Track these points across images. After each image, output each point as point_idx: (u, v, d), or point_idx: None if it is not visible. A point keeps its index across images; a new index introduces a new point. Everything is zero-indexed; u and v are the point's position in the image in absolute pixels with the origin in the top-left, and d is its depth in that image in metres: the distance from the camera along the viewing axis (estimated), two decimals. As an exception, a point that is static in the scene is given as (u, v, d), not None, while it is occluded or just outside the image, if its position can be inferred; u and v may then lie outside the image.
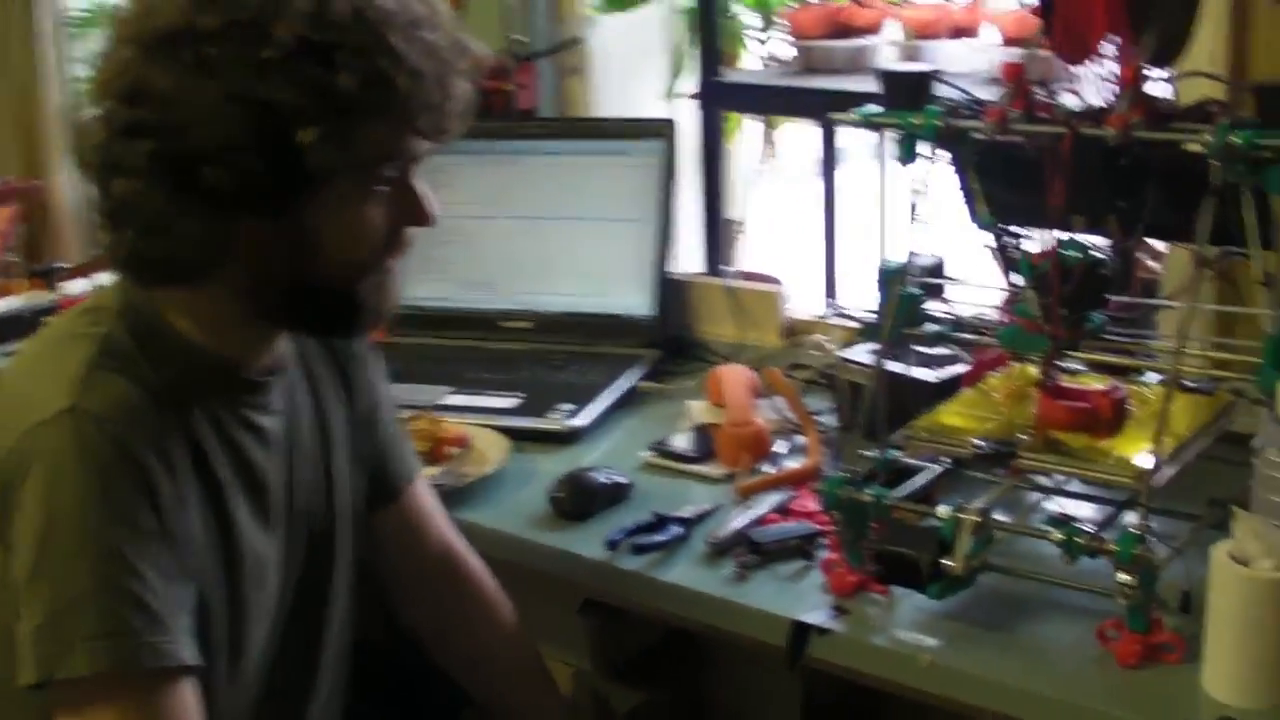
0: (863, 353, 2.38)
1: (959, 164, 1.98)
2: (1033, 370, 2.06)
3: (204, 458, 1.60)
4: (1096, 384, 1.96)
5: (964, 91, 1.94)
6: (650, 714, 2.35)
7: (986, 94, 1.94)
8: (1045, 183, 1.84)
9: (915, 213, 1.96)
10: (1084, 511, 1.97)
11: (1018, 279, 2.06)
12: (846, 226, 3.07)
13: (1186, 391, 2.00)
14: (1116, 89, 1.82)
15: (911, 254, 1.97)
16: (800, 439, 2.33)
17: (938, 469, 1.98)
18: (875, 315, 2.07)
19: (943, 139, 1.90)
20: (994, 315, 2.10)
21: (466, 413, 2.42)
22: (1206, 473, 1.90)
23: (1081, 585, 1.78)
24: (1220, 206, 1.80)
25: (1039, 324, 1.84)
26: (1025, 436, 1.87)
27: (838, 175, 3.00)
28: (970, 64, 2.62)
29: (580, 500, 2.13)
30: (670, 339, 2.73)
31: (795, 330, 2.74)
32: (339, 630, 1.86)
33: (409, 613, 2.04)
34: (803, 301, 2.81)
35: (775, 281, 2.95)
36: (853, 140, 3.04)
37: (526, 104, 3.03)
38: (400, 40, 1.51)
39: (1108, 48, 1.83)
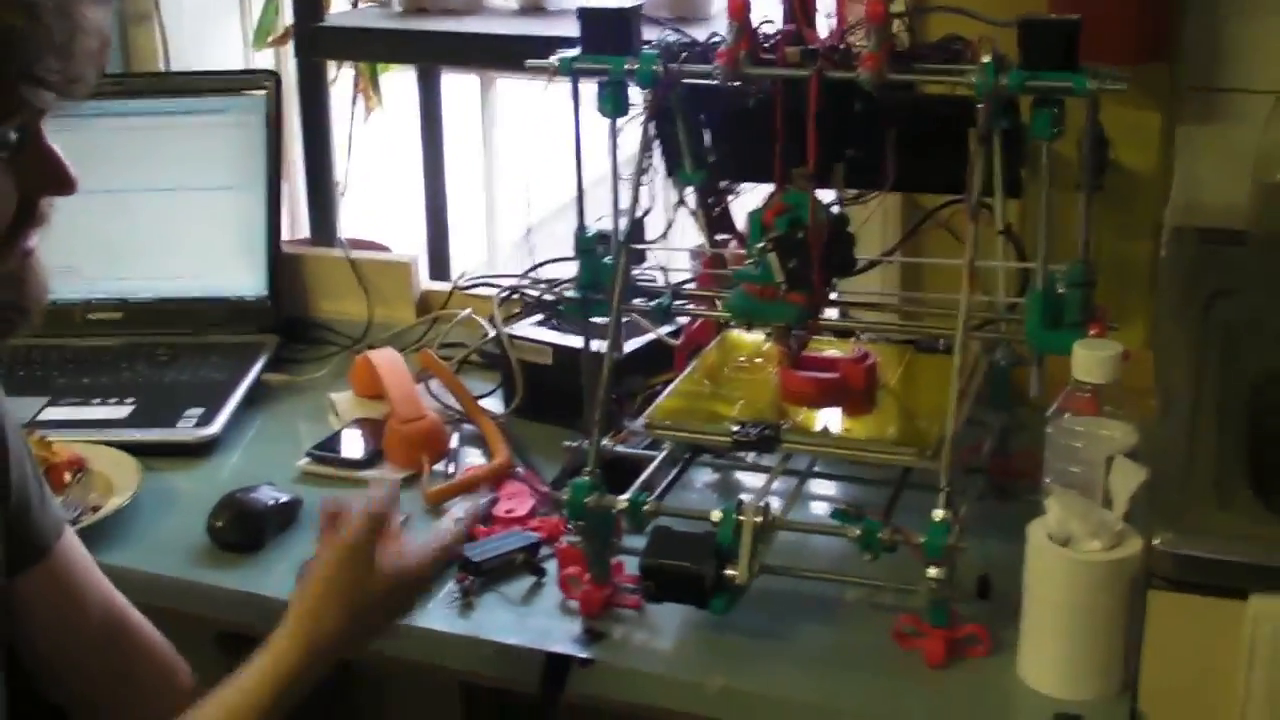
0: (530, 328, 2.14)
1: (657, 114, 1.75)
2: (748, 340, 1.88)
3: None
4: (835, 351, 1.80)
5: (678, 31, 1.72)
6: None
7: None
8: (766, 133, 1.65)
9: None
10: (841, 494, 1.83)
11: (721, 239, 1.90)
12: (462, 185, 2.81)
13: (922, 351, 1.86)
14: (852, 28, 1.66)
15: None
16: (469, 428, 2.07)
17: (656, 457, 1.78)
18: (570, 286, 1.83)
19: (656, 85, 1.68)
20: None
21: (72, 428, 2.05)
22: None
23: (881, 583, 1.61)
24: (948, 151, 1.67)
25: (774, 289, 1.63)
26: (783, 418, 1.68)
27: (445, 128, 2.73)
28: (599, 3, 2.40)
29: (246, 528, 1.82)
30: (286, 321, 2.41)
31: (428, 305, 2.46)
32: None
33: (67, 692, 1.67)
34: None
35: (384, 249, 2.66)
36: (458, 90, 2.78)
37: (91, 59, 2.62)
38: None
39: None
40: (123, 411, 2.13)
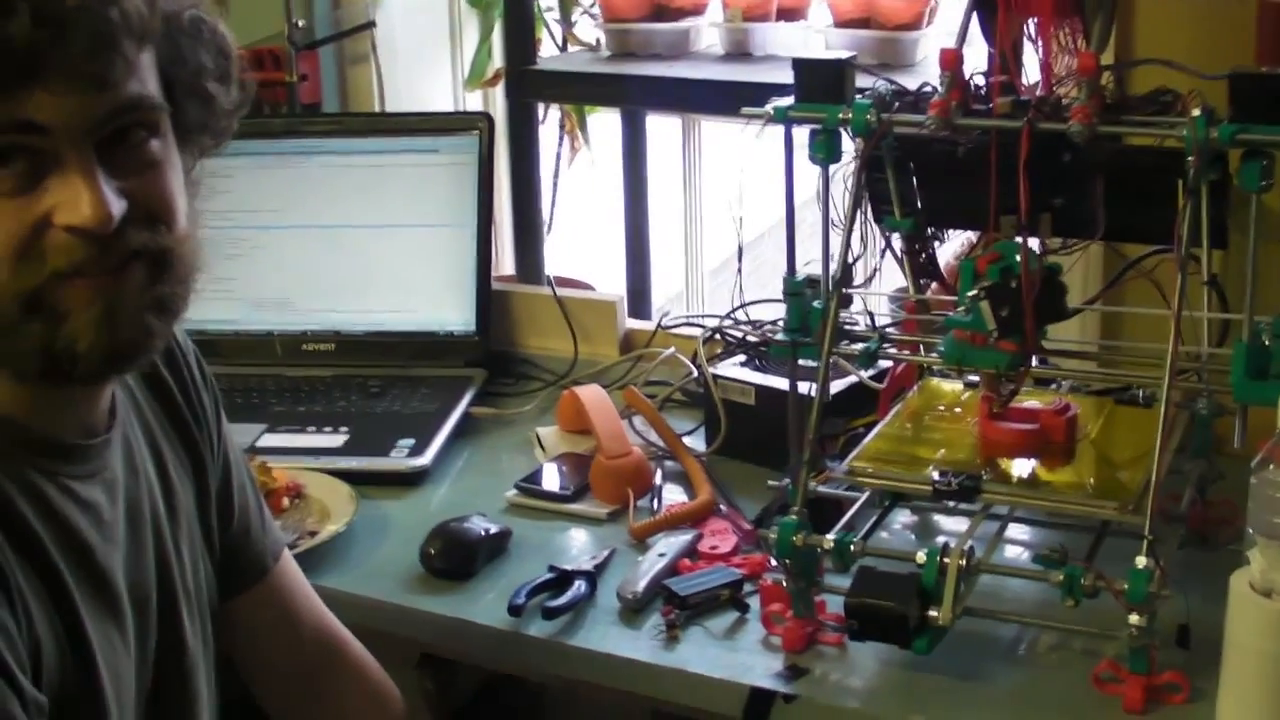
0: (733, 368, 2.18)
1: (865, 162, 1.78)
2: (948, 389, 1.91)
3: (32, 542, 1.27)
4: (1035, 402, 1.81)
5: (890, 81, 1.76)
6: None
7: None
8: (973, 181, 1.68)
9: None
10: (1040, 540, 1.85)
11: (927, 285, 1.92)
12: (662, 224, 2.87)
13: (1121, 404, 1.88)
14: (1060, 79, 1.69)
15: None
16: (671, 465, 2.12)
17: (859, 498, 1.81)
18: (779, 329, 1.87)
19: (869, 134, 1.72)
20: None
21: (289, 455, 2.13)
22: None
23: (1083, 628, 1.63)
24: (1154, 202, 1.68)
25: (986, 337, 1.66)
26: (984, 465, 1.71)
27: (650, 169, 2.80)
28: (804, 49, 2.45)
29: (458, 556, 1.88)
30: (493, 356, 2.47)
31: (630, 343, 2.52)
32: None
33: (283, 710, 1.73)
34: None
35: (586, 286, 2.73)
36: (660, 129, 2.84)
37: (310, 98, 2.73)
38: None
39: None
40: (337, 440, 2.21)
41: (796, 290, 1.81)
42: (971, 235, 1.94)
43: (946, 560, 1.58)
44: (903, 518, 1.94)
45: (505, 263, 2.89)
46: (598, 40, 2.70)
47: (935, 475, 1.67)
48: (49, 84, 1.18)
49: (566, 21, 2.89)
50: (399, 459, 2.14)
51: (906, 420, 1.85)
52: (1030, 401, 1.82)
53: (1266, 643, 1.48)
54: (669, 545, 1.87)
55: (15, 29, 1.15)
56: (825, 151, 1.75)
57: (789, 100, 1.75)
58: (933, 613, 1.57)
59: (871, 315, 1.88)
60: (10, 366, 1.27)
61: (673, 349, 2.39)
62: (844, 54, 1.80)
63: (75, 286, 1.23)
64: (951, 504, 1.84)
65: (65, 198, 1.21)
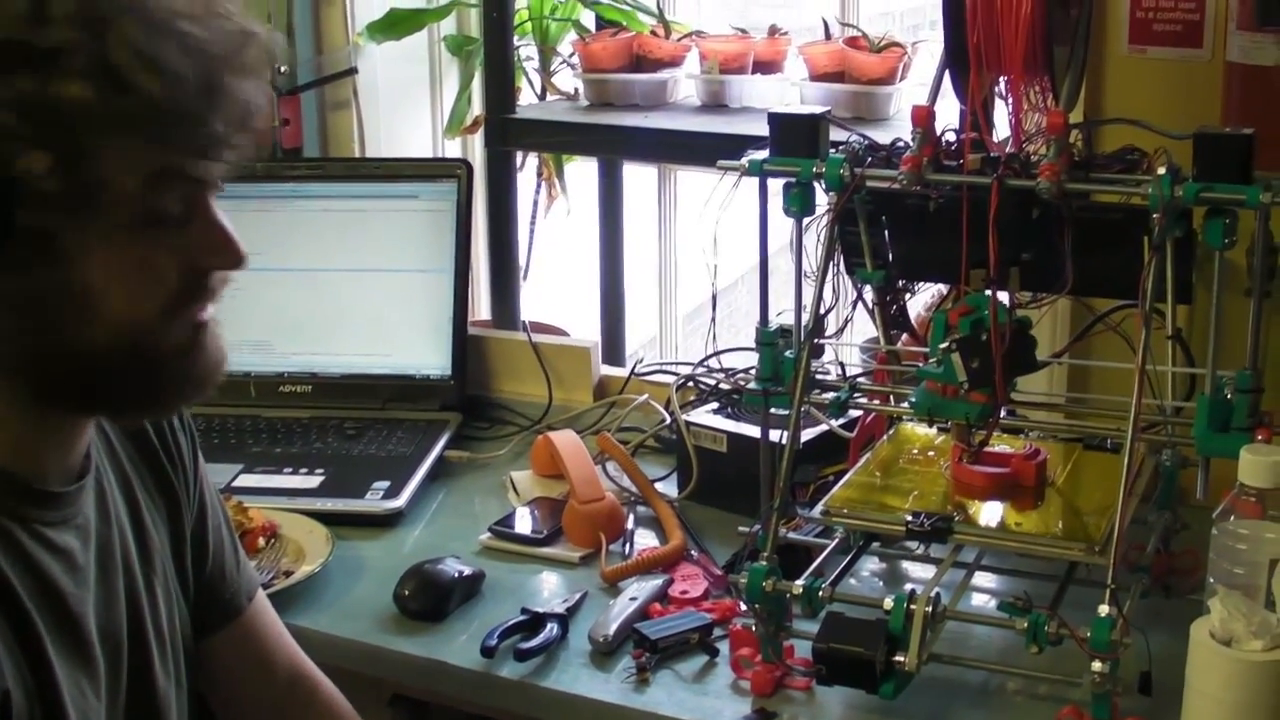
0: (706, 415, 2.21)
1: (838, 215, 1.82)
2: (921, 433, 1.94)
3: (3, 588, 1.27)
4: (1006, 447, 1.85)
5: (863, 137, 1.79)
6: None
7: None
8: (943, 234, 1.72)
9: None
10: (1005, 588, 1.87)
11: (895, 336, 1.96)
12: (637, 271, 2.90)
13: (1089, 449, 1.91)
14: (1030, 136, 1.72)
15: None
16: (644, 510, 2.15)
17: (829, 544, 1.84)
18: (752, 378, 1.90)
19: (842, 188, 1.75)
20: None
21: (265, 495, 2.15)
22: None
23: (1046, 675, 1.66)
24: (1121, 257, 1.72)
25: (957, 389, 1.70)
26: (955, 510, 1.74)
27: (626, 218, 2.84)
28: (780, 101, 2.49)
29: (431, 598, 1.90)
30: (468, 400, 2.50)
31: (604, 389, 2.55)
32: None
33: None
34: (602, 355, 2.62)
35: (560, 332, 2.76)
36: (638, 179, 2.88)
37: (291, 142, 2.75)
38: (146, 36, 1.20)
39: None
40: (313, 481, 2.22)
41: (769, 340, 1.84)
42: (942, 288, 1.98)
43: (913, 607, 1.60)
44: (871, 565, 1.97)
45: (481, 308, 2.92)
46: (576, 90, 2.73)
47: (908, 517, 1.71)
48: (219, 150, 1.27)
49: (546, 71, 2.92)
50: (374, 501, 2.16)
51: (876, 468, 1.88)
52: (1001, 446, 1.85)
53: (1225, 691, 1.50)
54: (640, 589, 1.89)
55: (216, 114, 1.24)
56: (799, 204, 1.79)
57: (764, 153, 1.79)
58: (899, 658, 1.60)
59: (843, 365, 1.91)
60: (110, 409, 1.37)
61: (646, 395, 2.42)
62: (819, 108, 1.83)
63: (206, 327, 1.34)
64: (921, 546, 1.88)
65: (211, 240, 1.30)
